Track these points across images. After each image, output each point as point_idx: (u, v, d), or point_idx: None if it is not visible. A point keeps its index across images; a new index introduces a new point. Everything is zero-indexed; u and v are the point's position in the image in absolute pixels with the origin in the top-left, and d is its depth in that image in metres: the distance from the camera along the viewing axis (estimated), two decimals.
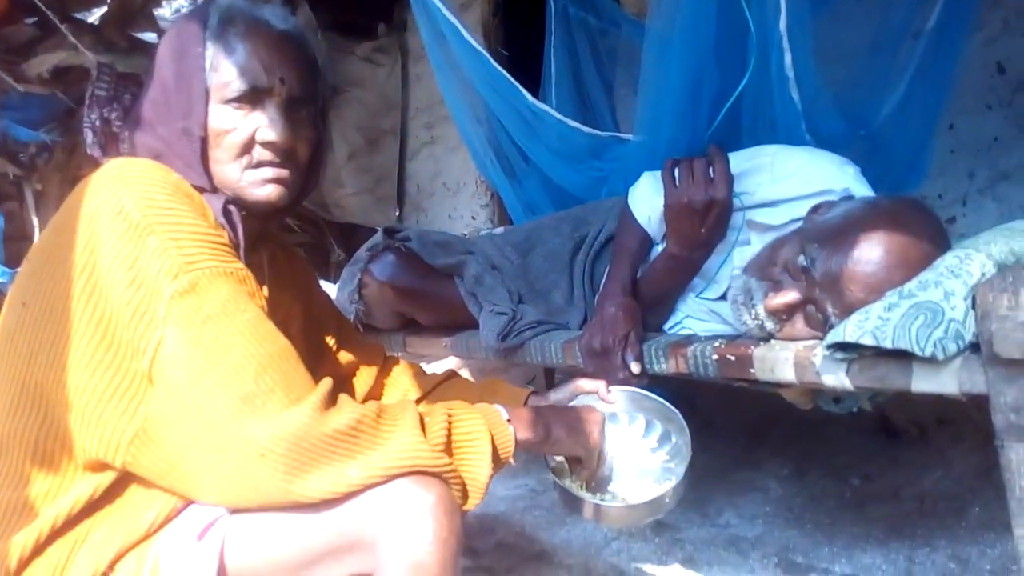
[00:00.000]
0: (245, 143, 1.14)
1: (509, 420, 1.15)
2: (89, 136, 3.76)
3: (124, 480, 1.04)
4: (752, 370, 1.32)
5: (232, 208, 1.13)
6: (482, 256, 1.85)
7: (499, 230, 2.32)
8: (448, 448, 1.05)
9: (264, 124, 1.14)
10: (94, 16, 3.95)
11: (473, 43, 2.10)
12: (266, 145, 1.15)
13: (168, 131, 1.12)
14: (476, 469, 1.07)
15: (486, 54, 2.10)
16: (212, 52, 1.12)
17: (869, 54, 1.96)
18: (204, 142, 1.12)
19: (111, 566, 0.99)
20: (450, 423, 1.07)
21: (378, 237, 1.91)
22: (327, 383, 1.03)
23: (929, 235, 1.23)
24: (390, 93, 4.07)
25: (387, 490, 0.98)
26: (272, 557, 1.00)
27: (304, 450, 0.95)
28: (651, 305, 1.60)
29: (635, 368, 1.46)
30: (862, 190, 1.41)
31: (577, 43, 2.69)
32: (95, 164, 3.97)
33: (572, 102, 2.59)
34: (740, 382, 1.41)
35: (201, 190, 1.12)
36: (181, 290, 0.97)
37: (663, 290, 1.61)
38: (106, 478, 1.02)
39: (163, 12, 4.04)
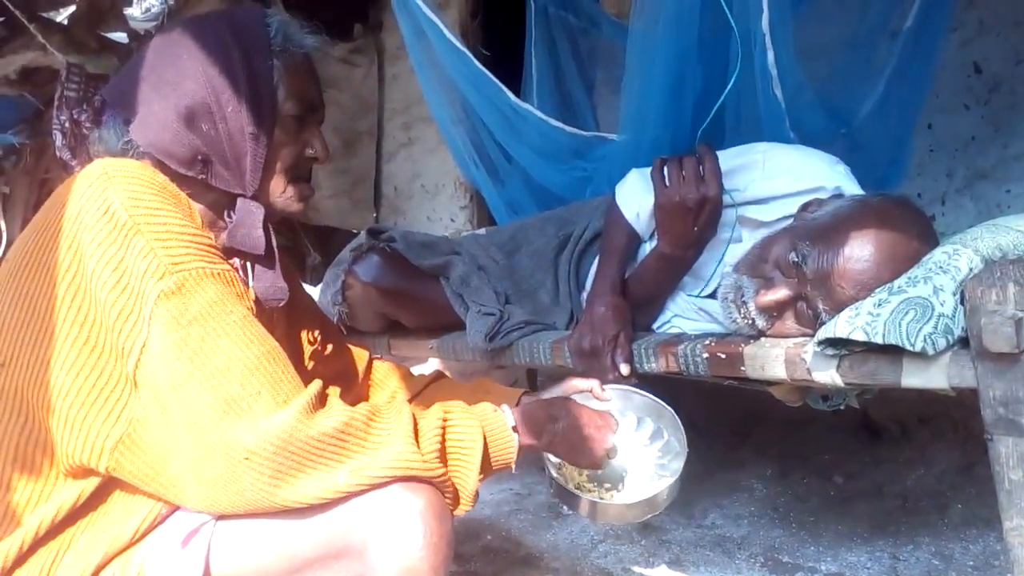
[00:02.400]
0: (295, 158, 1.17)
1: (515, 427, 1.13)
2: (59, 138, 3.69)
3: (108, 486, 1.01)
4: (743, 368, 1.31)
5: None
6: (468, 257, 1.83)
7: (482, 231, 2.30)
8: (442, 454, 1.03)
9: (312, 142, 1.19)
10: (63, 15, 3.87)
11: (455, 41, 2.08)
12: (311, 161, 1.20)
13: (220, 132, 1.09)
14: (466, 476, 1.06)
15: (468, 53, 2.08)
16: (277, 66, 1.13)
17: (849, 52, 1.97)
18: (270, 148, 1.13)
19: (95, 574, 0.96)
20: (444, 428, 1.06)
21: (362, 238, 1.88)
22: (316, 385, 1.02)
23: (918, 232, 1.24)
24: (366, 94, 4.02)
25: (377, 495, 0.97)
26: (259, 563, 0.98)
27: (290, 454, 0.93)
28: (641, 304, 1.59)
29: (624, 370, 1.45)
30: (852, 188, 1.42)
31: (558, 43, 2.68)
32: (64, 167, 3.87)
33: (553, 102, 2.57)
34: (730, 380, 1.40)
35: (236, 195, 1.12)
36: (167, 291, 0.95)
37: (653, 289, 1.60)
38: (90, 484, 1.00)
39: (133, 11, 3.96)
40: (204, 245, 1.03)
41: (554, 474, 1.23)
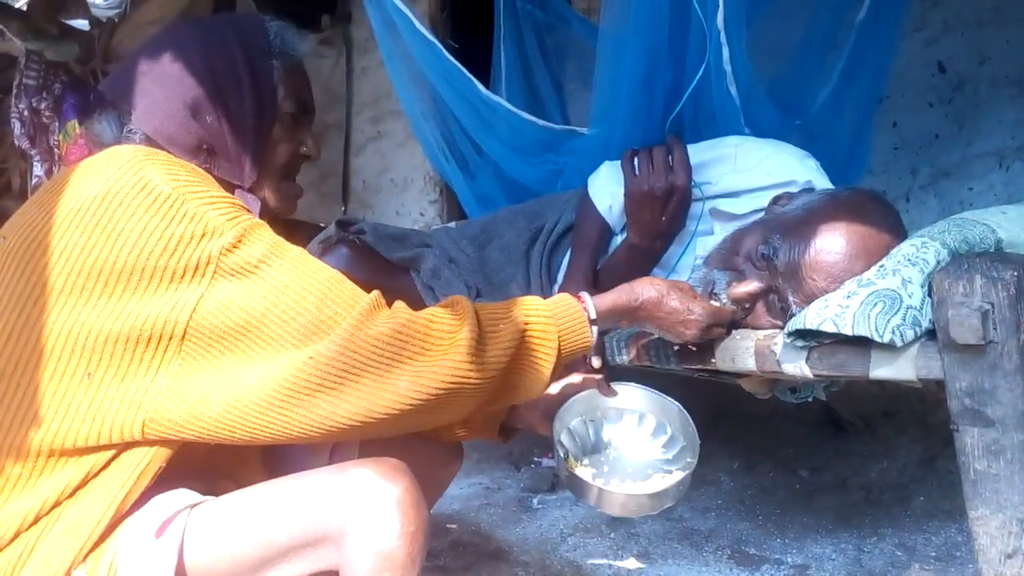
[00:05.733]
0: (290, 156, 1.24)
1: (594, 320, 1.18)
2: (17, 127, 3.60)
3: (84, 481, 0.99)
4: (713, 360, 1.32)
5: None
6: (439, 249, 1.82)
7: (453, 224, 2.29)
8: (510, 363, 1.06)
9: (306, 140, 1.25)
10: (21, 1, 3.78)
11: (426, 33, 2.07)
12: (304, 159, 1.27)
13: (223, 124, 1.14)
14: (529, 386, 1.10)
15: (439, 44, 2.07)
16: (276, 66, 1.19)
17: (804, 45, 2.00)
18: (269, 143, 1.19)
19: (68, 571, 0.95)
20: (522, 339, 1.08)
21: (331, 229, 1.87)
22: (376, 293, 1.04)
23: (888, 225, 1.26)
24: (335, 87, 3.98)
25: (352, 484, 0.98)
26: (234, 553, 0.98)
27: (353, 353, 0.96)
28: None
29: (595, 363, 1.45)
30: (823, 182, 1.44)
31: (526, 38, 2.66)
32: (23, 156, 3.74)
33: (522, 97, 2.55)
34: (700, 372, 1.41)
35: (235, 187, 1.17)
36: (228, 246, 1.00)
37: (624, 281, 1.59)
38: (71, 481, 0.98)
39: None
40: (245, 208, 1.07)
41: (567, 467, 1.24)
